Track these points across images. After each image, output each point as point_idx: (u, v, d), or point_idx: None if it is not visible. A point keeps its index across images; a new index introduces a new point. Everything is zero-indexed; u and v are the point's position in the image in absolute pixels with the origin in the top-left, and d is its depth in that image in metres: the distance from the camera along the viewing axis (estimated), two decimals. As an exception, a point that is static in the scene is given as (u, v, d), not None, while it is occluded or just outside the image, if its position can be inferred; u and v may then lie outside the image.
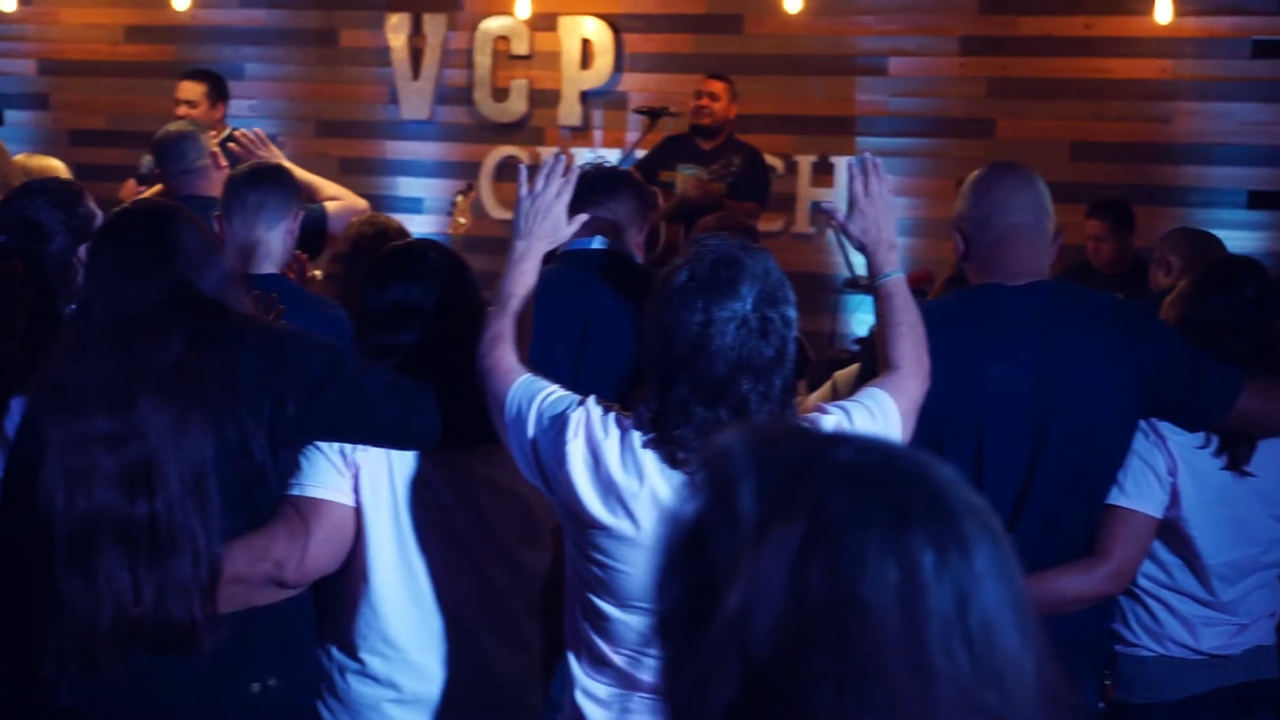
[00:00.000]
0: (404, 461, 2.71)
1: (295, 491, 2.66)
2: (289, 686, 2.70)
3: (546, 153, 7.68)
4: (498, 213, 7.67)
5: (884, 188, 2.74)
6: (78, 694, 2.60)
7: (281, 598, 2.65)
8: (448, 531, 2.72)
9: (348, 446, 2.68)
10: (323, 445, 2.67)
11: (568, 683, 2.47)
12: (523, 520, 2.76)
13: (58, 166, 5.25)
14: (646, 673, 2.37)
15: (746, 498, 1.01)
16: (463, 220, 7.27)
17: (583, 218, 2.81)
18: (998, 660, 0.98)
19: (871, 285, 2.72)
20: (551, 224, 2.72)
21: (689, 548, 1.04)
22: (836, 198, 7.42)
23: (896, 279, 2.68)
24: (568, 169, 2.76)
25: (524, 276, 2.66)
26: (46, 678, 2.54)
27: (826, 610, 0.97)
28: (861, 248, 2.74)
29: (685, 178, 6.69)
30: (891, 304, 2.65)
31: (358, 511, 2.70)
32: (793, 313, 2.31)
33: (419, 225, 7.87)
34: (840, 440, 1.06)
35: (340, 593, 2.75)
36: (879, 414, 2.44)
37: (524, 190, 2.74)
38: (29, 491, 2.51)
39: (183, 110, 6.46)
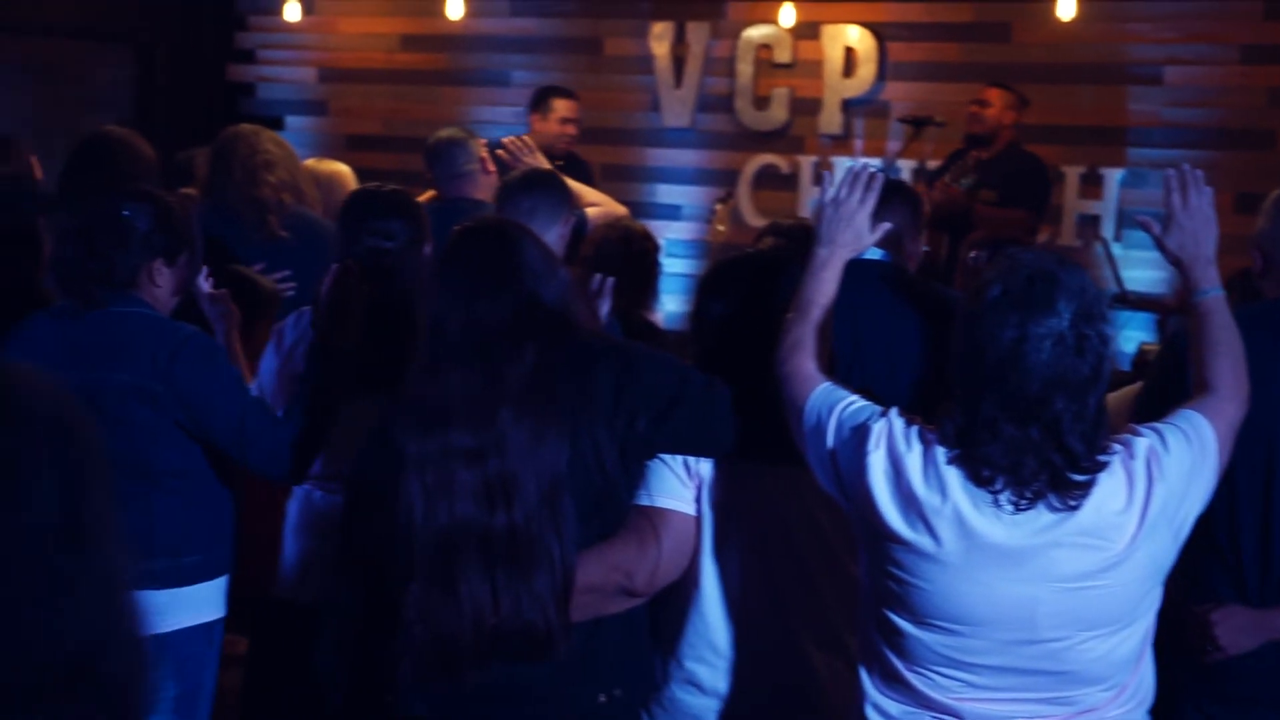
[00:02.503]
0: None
1: (644, 502, 2.67)
2: (632, 696, 2.70)
3: (806, 161, 7.67)
4: (756, 221, 7.64)
5: (1204, 200, 2.65)
6: (430, 702, 2.64)
7: (628, 607, 2.66)
8: (785, 544, 2.71)
9: (691, 458, 2.69)
10: (666, 456, 2.68)
11: (857, 695, 2.45)
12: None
13: (345, 171, 5.44)
14: (939, 692, 2.33)
15: None
16: (721, 228, 7.29)
17: (886, 226, 2.78)
18: None
19: (1187, 302, 2.62)
20: (854, 232, 2.70)
21: None
22: (1105, 210, 7.23)
23: (1216, 296, 2.57)
24: (872, 177, 2.74)
25: (825, 284, 2.64)
26: (401, 685, 2.59)
27: None
28: (1177, 263, 2.64)
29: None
30: (1210, 322, 2.55)
31: (697, 521, 2.70)
32: (1110, 330, 2.25)
33: (677, 232, 7.95)
34: None
35: (671, 601, 2.75)
36: (1194, 438, 2.35)
37: (827, 197, 2.73)
38: (381, 502, 2.56)
39: (571, 129, 6.45)
